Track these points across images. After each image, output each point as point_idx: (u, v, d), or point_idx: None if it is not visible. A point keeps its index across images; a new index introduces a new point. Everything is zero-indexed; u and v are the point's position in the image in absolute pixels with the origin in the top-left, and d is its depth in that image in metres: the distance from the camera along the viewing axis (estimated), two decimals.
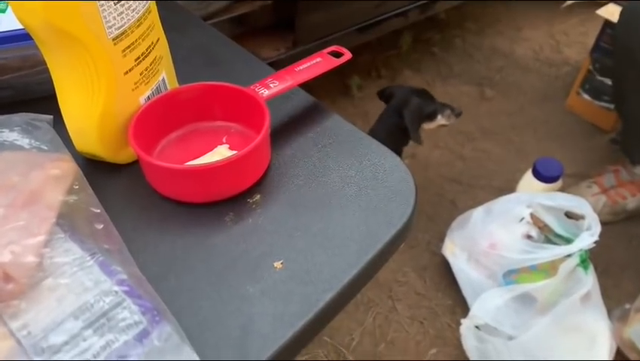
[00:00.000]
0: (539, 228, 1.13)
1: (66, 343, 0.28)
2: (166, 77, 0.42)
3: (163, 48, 0.41)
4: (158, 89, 0.41)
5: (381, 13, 1.37)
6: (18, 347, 0.28)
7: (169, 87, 0.43)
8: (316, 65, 0.43)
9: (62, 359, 0.28)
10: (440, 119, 1.21)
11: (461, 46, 1.89)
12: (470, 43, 1.90)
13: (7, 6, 0.47)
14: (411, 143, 1.19)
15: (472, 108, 1.61)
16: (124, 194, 0.38)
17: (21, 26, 0.43)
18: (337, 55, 0.44)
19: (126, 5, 0.35)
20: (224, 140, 0.42)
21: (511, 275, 1.09)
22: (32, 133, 0.40)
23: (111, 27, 0.35)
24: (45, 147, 0.39)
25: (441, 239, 1.26)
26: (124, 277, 0.31)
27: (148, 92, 0.40)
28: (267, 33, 1.24)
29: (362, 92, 1.58)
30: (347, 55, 0.44)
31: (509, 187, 1.35)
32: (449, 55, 1.83)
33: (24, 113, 0.40)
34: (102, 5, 0.34)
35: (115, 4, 0.34)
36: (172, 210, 0.37)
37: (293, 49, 1.24)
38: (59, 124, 0.40)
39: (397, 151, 1.09)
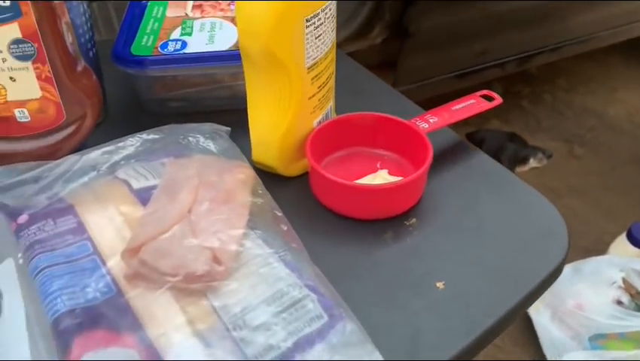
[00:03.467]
0: (631, 295, 1.09)
1: (259, 326, 0.32)
2: (332, 104, 0.47)
3: (333, 80, 0.46)
4: (327, 115, 0.46)
5: (481, 62, 1.41)
6: (219, 323, 0.32)
7: (333, 114, 0.47)
8: (470, 106, 0.47)
9: (255, 339, 0.32)
10: (533, 162, 1.22)
11: (550, 101, 1.88)
12: (561, 99, 1.89)
13: (192, 31, 0.54)
14: None
15: (560, 165, 1.59)
16: (291, 203, 0.42)
17: (203, 50, 0.50)
18: (489, 98, 0.48)
19: (322, 40, 0.41)
20: (378, 165, 0.45)
21: (598, 340, 1.06)
22: (216, 141, 0.45)
23: (309, 57, 0.40)
24: (227, 154, 0.44)
25: None
26: (308, 274, 0.35)
27: (320, 117, 0.45)
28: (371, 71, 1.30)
29: None
30: (498, 100, 0.48)
31: (596, 248, 1.32)
32: (538, 109, 1.83)
33: (209, 124, 0.46)
34: (308, 39, 0.39)
35: (315, 39, 0.40)
36: (335, 223, 0.41)
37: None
38: (232, 135, 0.45)
39: None
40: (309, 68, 0.40)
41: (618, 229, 1.22)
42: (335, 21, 0.42)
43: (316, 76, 0.42)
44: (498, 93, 0.48)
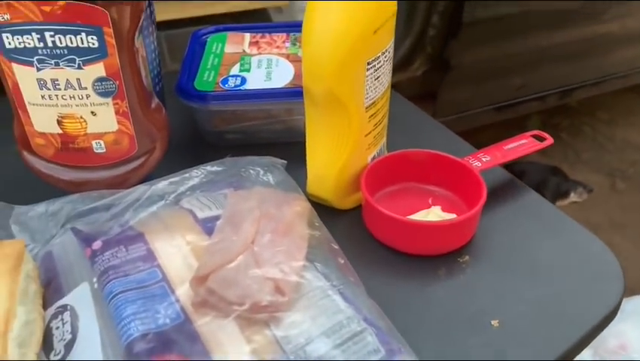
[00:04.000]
0: None
1: (319, 358, 0.33)
2: (385, 141, 0.49)
3: (387, 118, 0.48)
4: (381, 151, 0.47)
5: (521, 95, 1.41)
6: (282, 352, 0.33)
7: (385, 150, 0.49)
8: (522, 145, 0.48)
9: None
10: (573, 197, 1.21)
11: (590, 134, 1.85)
12: (601, 132, 1.86)
13: (250, 67, 0.57)
14: None
15: (601, 199, 1.56)
16: (344, 236, 0.44)
17: (262, 86, 0.53)
18: (540, 139, 0.49)
19: (380, 81, 0.43)
20: (430, 201, 0.47)
21: None
22: (273, 173, 0.47)
23: (368, 98, 0.42)
24: (283, 186, 0.46)
25: None
26: (367, 308, 0.36)
27: (374, 152, 0.46)
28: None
29: None
30: (549, 140, 0.48)
31: (639, 286, 1.28)
32: (578, 142, 1.80)
33: (267, 157, 0.48)
34: (368, 80, 0.41)
35: (373, 80, 0.42)
36: (389, 257, 0.42)
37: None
38: (287, 167, 0.47)
39: None
40: (367, 108, 0.42)
41: None
42: (392, 63, 0.44)
43: (373, 115, 0.43)
44: (536, 125, 0.49)
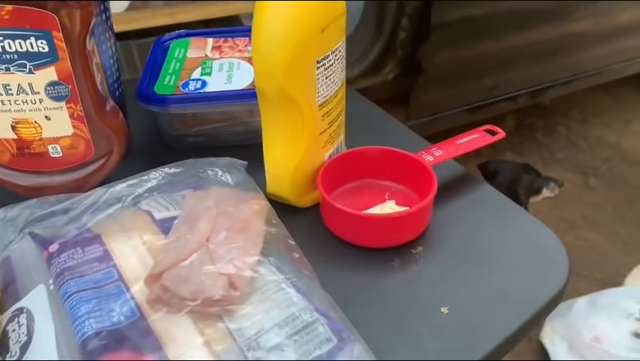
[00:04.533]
0: None
1: (272, 348, 0.34)
2: (342, 139, 0.50)
3: (343, 116, 0.49)
4: (337, 149, 0.49)
5: (493, 95, 1.44)
6: (234, 345, 0.34)
7: (344, 148, 0.50)
8: (474, 140, 0.49)
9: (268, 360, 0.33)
10: (546, 192, 1.24)
11: (564, 133, 1.89)
12: (574, 131, 1.90)
13: (211, 71, 0.57)
14: None
15: (575, 196, 1.59)
16: (303, 233, 0.44)
17: (222, 89, 0.53)
18: (492, 133, 0.50)
19: (332, 79, 0.44)
20: (386, 196, 0.48)
21: None
22: (233, 174, 0.48)
23: (320, 96, 0.43)
24: (243, 186, 0.47)
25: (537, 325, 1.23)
26: (319, 299, 0.37)
27: (331, 151, 0.47)
28: (382, 106, 1.34)
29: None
30: (501, 134, 0.50)
31: (613, 280, 1.31)
32: (552, 141, 1.84)
33: (227, 158, 0.49)
34: (319, 79, 0.42)
35: (324, 79, 0.43)
36: (345, 251, 0.43)
37: (404, 122, 1.32)
38: (248, 168, 0.48)
39: None
40: (320, 106, 0.43)
41: (635, 260, 1.22)
42: (344, 62, 0.45)
43: (327, 113, 0.44)
44: (510, 126, 0.50)
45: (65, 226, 0.42)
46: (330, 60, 0.42)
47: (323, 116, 0.44)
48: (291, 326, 0.35)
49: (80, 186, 0.44)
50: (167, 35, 0.65)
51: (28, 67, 0.37)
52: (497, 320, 0.37)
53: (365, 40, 1.25)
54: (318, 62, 0.41)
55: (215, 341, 0.34)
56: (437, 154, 0.47)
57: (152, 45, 0.64)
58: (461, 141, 0.49)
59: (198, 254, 0.38)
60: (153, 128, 0.58)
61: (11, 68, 0.37)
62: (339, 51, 0.44)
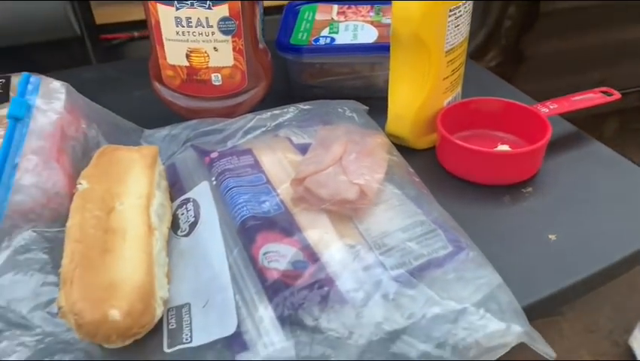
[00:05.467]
0: None
1: (394, 247, 0.39)
2: (459, 91, 0.54)
3: (463, 68, 0.53)
4: (455, 98, 0.53)
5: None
6: (364, 241, 0.40)
7: (459, 98, 0.54)
8: (589, 99, 0.51)
9: (392, 256, 0.38)
10: None
11: None
12: None
13: (338, 30, 0.64)
14: None
15: None
16: (418, 170, 0.49)
17: (348, 42, 0.59)
18: (608, 94, 0.52)
19: (459, 29, 0.48)
20: (499, 144, 0.51)
21: None
22: (358, 113, 0.54)
23: (448, 43, 0.47)
24: (366, 125, 0.53)
25: (626, 330, 1.20)
26: (436, 213, 0.42)
27: (450, 98, 0.52)
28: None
29: None
30: (616, 95, 0.52)
31: None
32: None
33: (352, 101, 0.55)
34: (449, 27, 0.47)
35: (454, 27, 0.47)
36: (459, 186, 0.48)
37: None
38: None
39: None
40: (446, 52, 0.48)
41: None
42: (470, 16, 0.50)
43: (451, 60, 0.49)
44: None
45: (221, 142, 0.50)
46: (460, 11, 0.47)
47: (448, 63, 0.49)
48: (411, 232, 0.40)
49: (231, 113, 0.52)
50: (296, 2, 0.72)
51: (207, 3, 0.45)
52: (599, 251, 0.40)
53: (470, 26, 1.27)
54: (450, 11, 0.46)
55: (347, 236, 0.40)
56: (551, 107, 0.50)
57: (284, 10, 0.71)
58: (577, 98, 0.51)
59: (333, 168, 0.44)
60: (283, 81, 0.65)
61: (195, 4, 0.45)
62: (468, 5, 0.48)
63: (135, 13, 0.92)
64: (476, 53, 1.30)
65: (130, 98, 0.62)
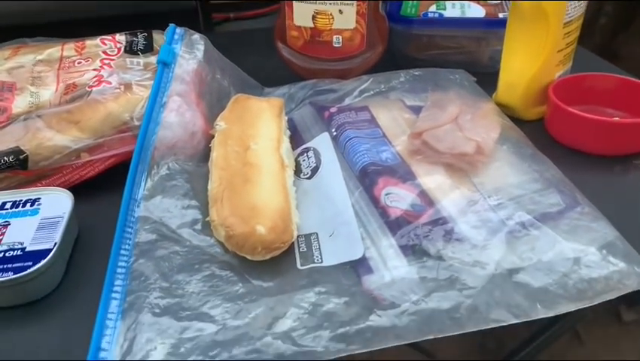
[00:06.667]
0: None
1: (508, 200, 0.41)
2: (570, 66, 0.55)
3: (576, 44, 0.54)
4: (565, 72, 0.54)
5: None
6: (478, 192, 0.42)
7: (569, 73, 0.55)
8: None
9: (506, 207, 0.40)
10: None
11: None
12: None
13: (446, 7, 0.66)
14: None
15: None
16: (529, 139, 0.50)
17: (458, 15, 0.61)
18: None
19: (579, 3, 0.49)
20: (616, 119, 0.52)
21: None
22: (468, 81, 0.56)
23: (567, 15, 0.49)
24: (475, 93, 0.55)
25: None
26: (552, 172, 0.43)
27: (561, 72, 0.53)
28: None
29: None
30: None
31: None
32: None
33: (461, 70, 0.57)
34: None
35: (573, 3, 0.48)
36: (569, 155, 0.48)
37: None
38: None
39: None
40: (565, 24, 0.49)
41: None
42: None
43: (568, 33, 0.50)
44: None
45: (337, 100, 0.54)
46: None
47: (564, 35, 0.50)
48: (525, 188, 0.42)
49: (347, 74, 0.56)
50: None
51: None
52: None
53: None
54: None
55: (463, 186, 0.42)
56: None
57: None
58: None
59: (450, 125, 0.47)
60: (388, 53, 0.67)
61: None
62: None
63: None
64: None
65: (245, 62, 0.67)
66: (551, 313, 0.32)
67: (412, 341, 0.31)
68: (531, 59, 0.50)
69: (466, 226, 0.38)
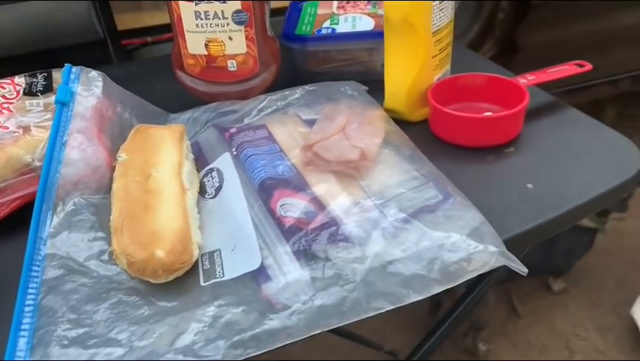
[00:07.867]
0: None
1: (392, 197, 0.45)
2: (448, 68, 0.61)
3: (450, 48, 0.60)
4: (444, 75, 0.59)
5: (592, 78, 1.45)
6: (365, 195, 0.46)
7: (449, 75, 0.61)
8: (563, 70, 0.58)
9: (390, 205, 0.45)
10: None
11: None
12: None
13: (339, 22, 0.70)
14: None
15: None
16: (413, 139, 0.55)
17: (348, 30, 0.66)
18: (581, 66, 0.58)
19: (444, 13, 0.55)
20: (484, 113, 0.58)
21: None
22: (358, 91, 0.61)
23: (434, 24, 0.54)
24: (366, 102, 0.59)
25: (630, 304, 1.25)
26: (428, 168, 0.48)
27: (439, 75, 0.58)
28: None
29: None
30: (588, 67, 0.58)
31: None
32: None
33: (353, 82, 0.62)
34: (434, 11, 0.53)
35: (439, 11, 0.54)
36: (449, 150, 0.54)
37: None
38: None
39: None
40: (434, 33, 0.54)
41: None
42: (454, 2, 0.56)
43: (438, 40, 0.55)
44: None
45: (237, 120, 0.57)
46: None
47: (435, 42, 0.55)
48: (407, 185, 0.47)
49: (245, 95, 0.59)
50: (300, 0, 0.79)
51: None
52: (569, 196, 0.46)
53: (465, 20, 1.33)
54: None
55: (351, 191, 0.46)
56: (530, 78, 0.56)
57: (289, 7, 0.78)
58: (552, 70, 0.58)
59: (338, 135, 0.51)
60: (291, 70, 0.71)
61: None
62: None
63: (146, 20, 1.00)
64: (472, 46, 1.36)
65: (154, 89, 0.69)
66: (423, 296, 0.37)
67: (302, 338, 0.35)
68: (408, 67, 0.55)
69: (350, 226, 0.42)
